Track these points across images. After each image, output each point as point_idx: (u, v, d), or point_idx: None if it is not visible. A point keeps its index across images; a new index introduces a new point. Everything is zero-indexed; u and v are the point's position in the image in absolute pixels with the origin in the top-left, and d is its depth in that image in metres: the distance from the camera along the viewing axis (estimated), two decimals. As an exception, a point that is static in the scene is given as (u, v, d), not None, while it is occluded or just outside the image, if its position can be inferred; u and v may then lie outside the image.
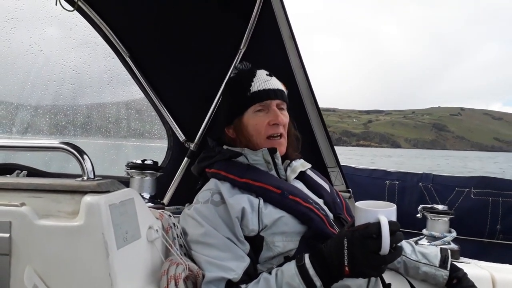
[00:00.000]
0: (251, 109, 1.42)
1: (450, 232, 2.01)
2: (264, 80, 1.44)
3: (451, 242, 1.96)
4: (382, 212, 1.06)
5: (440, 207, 2.05)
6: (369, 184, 3.19)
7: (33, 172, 2.27)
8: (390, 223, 1.04)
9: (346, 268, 1.07)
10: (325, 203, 1.42)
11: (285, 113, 1.47)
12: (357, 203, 1.13)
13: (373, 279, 1.30)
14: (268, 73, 1.48)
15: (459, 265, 1.84)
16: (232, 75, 1.57)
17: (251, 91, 1.41)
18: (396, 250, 1.07)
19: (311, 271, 1.11)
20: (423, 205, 2.10)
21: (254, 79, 1.43)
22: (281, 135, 1.43)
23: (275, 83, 1.46)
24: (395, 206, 1.10)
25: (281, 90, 1.46)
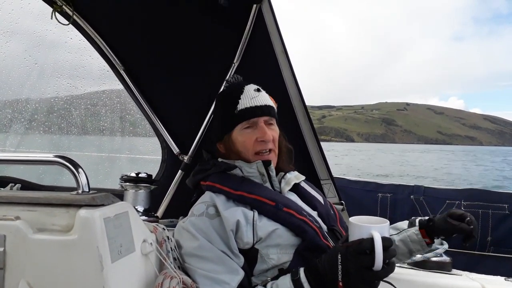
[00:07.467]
0: (239, 126, 1.42)
1: (442, 244, 2.02)
2: (251, 97, 1.43)
3: (443, 254, 1.97)
4: (375, 228, 1.06)
5: (432, 219, 2.07)
6: (362, 196, 3.22)
7: (26, 185, 2.26)
8: (383, 239, 1.04)
9: (340, 283, 1.07)
10: (319, 215, 1.43)
11: (274, 127, 1.47)
12: (351, 219, 1.13)
13: None
14: (256, 88, 1.48)
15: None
16: (223, 88, 1.57)
17: (238, 109, 1.41)
18: (389, 266, 1.07)
19: (306, 285, 1.12)
20: (415, 217, 2.11)
21: (241, 96, 1.43)
22: (270, 150, 1.43)
23: (263, 99, 1.45)
24: (388, 222, 1.11)
25: (269, 106, 1.45)
